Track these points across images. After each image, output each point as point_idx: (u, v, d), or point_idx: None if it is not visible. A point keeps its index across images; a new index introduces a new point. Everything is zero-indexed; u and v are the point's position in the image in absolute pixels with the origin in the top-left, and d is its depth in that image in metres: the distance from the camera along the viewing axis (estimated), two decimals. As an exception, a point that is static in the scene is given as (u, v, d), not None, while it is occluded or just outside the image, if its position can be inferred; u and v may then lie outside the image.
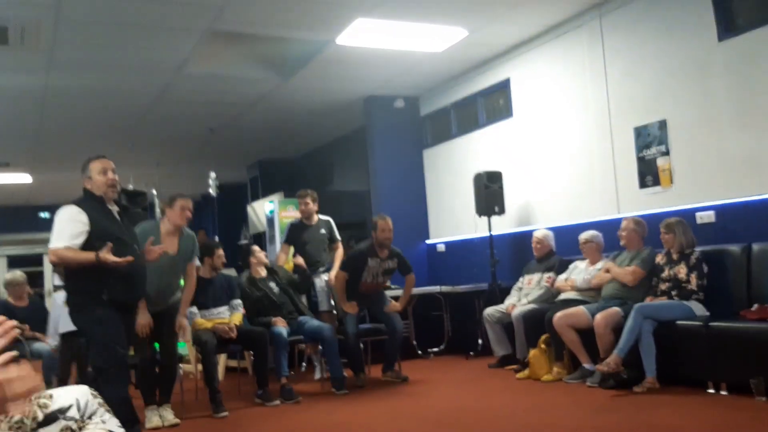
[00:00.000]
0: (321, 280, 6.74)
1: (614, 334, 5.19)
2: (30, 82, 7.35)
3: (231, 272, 10.53)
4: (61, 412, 2.19)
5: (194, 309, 5.59)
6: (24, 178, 12.67)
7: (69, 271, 4.16)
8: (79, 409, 2.21)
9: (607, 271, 5.70)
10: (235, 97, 8.64)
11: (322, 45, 6.96)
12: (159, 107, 8.71)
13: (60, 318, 6.18)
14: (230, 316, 5.76)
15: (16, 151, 10.60)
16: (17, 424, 2.14)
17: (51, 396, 2.23)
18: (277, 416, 5.09)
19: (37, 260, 16.45)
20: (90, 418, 2.22)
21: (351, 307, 6.10)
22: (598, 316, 5.30)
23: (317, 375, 6.60)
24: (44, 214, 16.09)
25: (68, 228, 4.01)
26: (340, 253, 6.84)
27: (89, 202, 4.19)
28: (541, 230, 6.71)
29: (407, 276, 6.47)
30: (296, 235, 6.82)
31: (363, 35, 6.65)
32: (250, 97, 8.73)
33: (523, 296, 6.52)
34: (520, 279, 6.69)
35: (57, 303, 6.22)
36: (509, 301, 6.55)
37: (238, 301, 5.87)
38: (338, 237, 6.95)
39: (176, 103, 8.60)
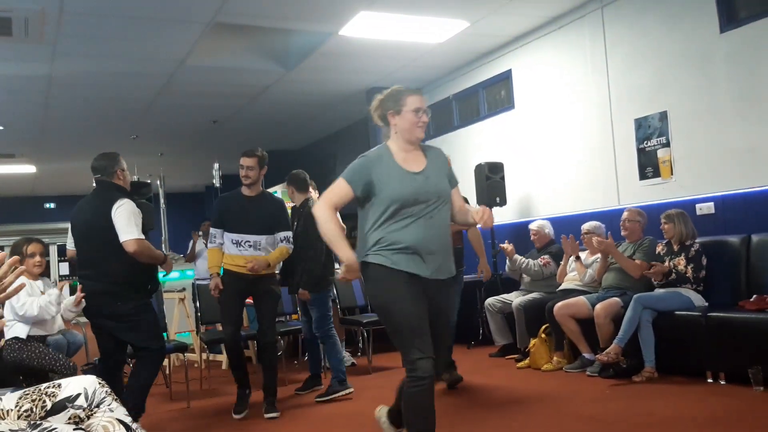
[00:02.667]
0: None
1: (614, 324, 5.24)
2: (34, 73, 7.38)
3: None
4: (69, 401, 2.23)
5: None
6: (28, 169, 12.72)
7: (123, 262, 4.06)
8: (86, 398, 2.25)
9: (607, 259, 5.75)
10: (239, 88, 8.67)
11: (325, 37, 6.98)
12: (163, 98, 8.74)
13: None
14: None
15: (20, 142, 10.65)
16: (26, 412, 2.19)
17: (59, 385, 2.28)
18: (277, 402, 5.14)
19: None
20: (98, 407, 2.26)
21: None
22: (598, 307, 5.34)
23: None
24: (49, 205, 16.16)
25: (135, 221, 4.13)
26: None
27: (130, 197, 4.28)
28: (536, 221, 6.74)
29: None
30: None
31: (366, 27, 6.67)
32: (253, 89, 8.76)
33: (525, 285, 6.60)
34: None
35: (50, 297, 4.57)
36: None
37: (286, 234, 5.04)
38: (342, 224, 6.96)
39: (180, 94, 8.63)
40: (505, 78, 7.85)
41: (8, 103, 8.49)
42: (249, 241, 4.90)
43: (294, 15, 6.34)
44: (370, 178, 3.12)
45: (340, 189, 3.17)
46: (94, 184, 4.35)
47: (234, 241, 4.93)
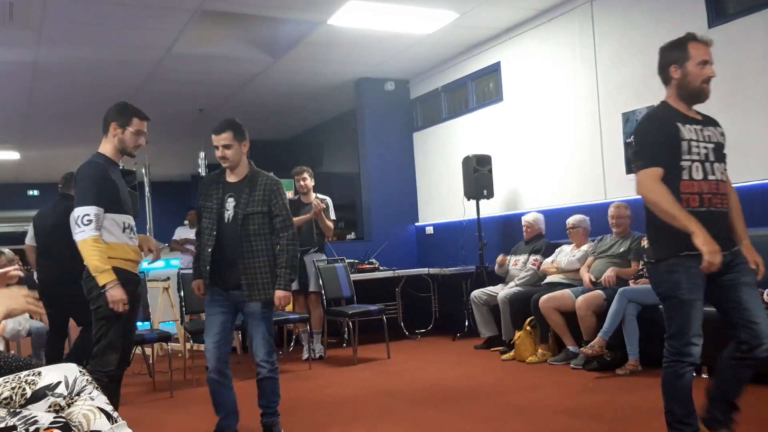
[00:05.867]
0: (310, 259, 6.75)
1: (596, 317, 5.27)
2: (18, 59, 7.29)
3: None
4: (49, 389, 2.21)
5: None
6: (12, 156, 12.61)
7: None
8: (67, 386, 2.23)
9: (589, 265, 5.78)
10: (226, 77, 8.61)
11: (314, 26, 6.94)
12: (149, 86, 8.67)
13: None
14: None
15: (4, 128, 10.54)
16: (5, 400, 2.17)
17: (39, 373, 2.25)
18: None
19: (26, 238, 16.35)
20: (78, 395, 2.24)
21: (707, 241, 2.81)
22: (580, 299, 5.37)
23: (305, 355, 6.65)
24: (32, 192, 16.02)
25: None
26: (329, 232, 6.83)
27: None
28: (531, 213, 6.77)
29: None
30: (292, 211, 6.80)
31: (354, 17, 6.63)
32: (240, 78, 8.70)
33: (509, 278, 6.62)
34: (508, 258, 6.80)
35: None
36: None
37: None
38: (333, 217, 6.95)
39: (166, 82, 8.57)
40: (494, 70, 7.84)
41: (-8, 89, 8.40)
42: (134, 226, 3.79)
43: (282, 3, 6.30)
44: None
45: None
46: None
47: (127, 226, 3.69)
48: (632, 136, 3.05)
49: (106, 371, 3.45)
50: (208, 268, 3.80)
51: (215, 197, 3.85)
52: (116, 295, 3.46)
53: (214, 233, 3.79)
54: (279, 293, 3.78)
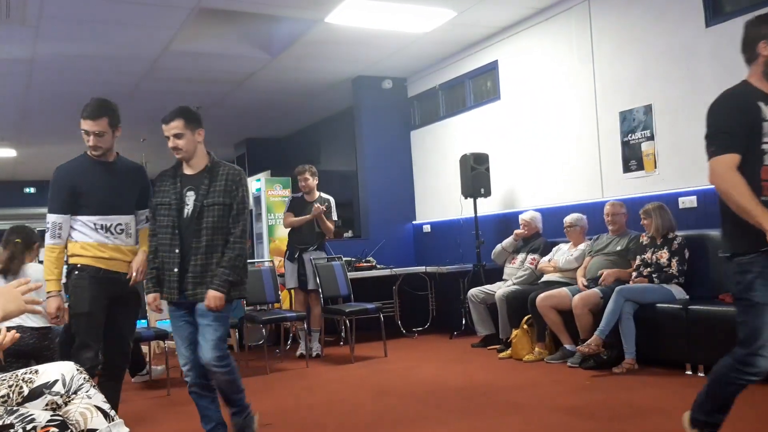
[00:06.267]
0: (309, 257, 6.75)
1: (592, 315, 5.28)
2: (15, 56, 7.27)
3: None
4: (47, 387, 2.21)
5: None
6: (8, 153, 12.58)
7: None
8: (64, 384, 2.23)
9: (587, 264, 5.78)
10: (223, 75, 8.59)
11: (311, 24, 6.93)
12: (146, 83, 8.66)
13: None
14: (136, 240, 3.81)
15: (0, 125, 10.51)
16: (2, 398, 2.17)
17: (36, 371, 2.25)
18: (259, 390, 5.14)
19: (23, 236, 16.33)
20: (75, 393, 2.24)
21: None
22: (576, 298, 5.37)
23: (299, 351, 6.66)
24: (29, 190, 15.99)
25: None
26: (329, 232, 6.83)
27: None
28: (528, 212, 6.77)
29: None
30: (296, 208, 6.82)
31: (352, 15, 6.63)
32: (237, 75, 8.69)
33: (507, 276, 6.62)
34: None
35: None
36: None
37: (148, 212, 3.80)
38: (335, 218, 6.93)
39: (163, 80, 8.55)
40: (492, 69, 7.84)
41: (-12, 86, 8.37)
42: (120, 225, 3.70)
43: (279, 1, 6.29)
44: None
45: None
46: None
47: (101, 226, 3.65)
48: (706, 119, 2.78)
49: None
50: (176, 270, 3.43)
51: (173, 192, 3.51)
52: (49, 305, 3.58)
53: (177, 231, 3.46)
54: (210, 293, 3.36)
